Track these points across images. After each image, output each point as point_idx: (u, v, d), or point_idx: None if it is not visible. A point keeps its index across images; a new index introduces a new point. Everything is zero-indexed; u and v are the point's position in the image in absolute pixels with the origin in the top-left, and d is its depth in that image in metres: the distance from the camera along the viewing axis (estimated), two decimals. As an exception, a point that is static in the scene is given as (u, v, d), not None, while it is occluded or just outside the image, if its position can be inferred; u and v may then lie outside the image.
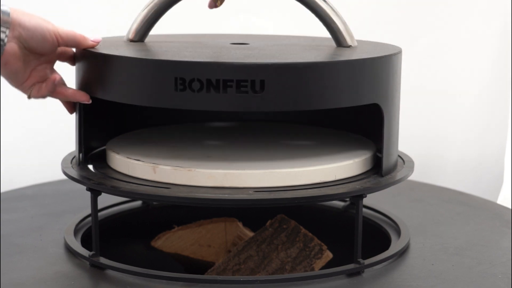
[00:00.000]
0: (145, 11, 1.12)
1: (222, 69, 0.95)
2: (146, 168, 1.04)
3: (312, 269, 1.14)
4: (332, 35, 1.11)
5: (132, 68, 0.99)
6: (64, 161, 1.12)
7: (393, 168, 1.09)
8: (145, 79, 0.98)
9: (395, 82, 1.07)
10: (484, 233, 1.21)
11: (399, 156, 1.14)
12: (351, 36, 1.12)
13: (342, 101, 1.00)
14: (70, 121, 1.12)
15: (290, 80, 0.96)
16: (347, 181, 1.04)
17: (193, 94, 0.95)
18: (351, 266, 1.04)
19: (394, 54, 1.05)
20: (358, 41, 1.14)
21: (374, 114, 1.05)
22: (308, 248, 1.15)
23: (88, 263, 1.07)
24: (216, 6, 1.14)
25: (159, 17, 1.12)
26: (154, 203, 1.32)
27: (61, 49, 1.04)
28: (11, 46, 0.98)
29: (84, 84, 1.05)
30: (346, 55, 1.04)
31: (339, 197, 1.09)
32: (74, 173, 1.08)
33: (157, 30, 1.14)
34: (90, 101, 1.04)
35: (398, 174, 1.08)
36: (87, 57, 1.04)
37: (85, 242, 1.14)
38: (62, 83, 1.05)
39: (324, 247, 1.15)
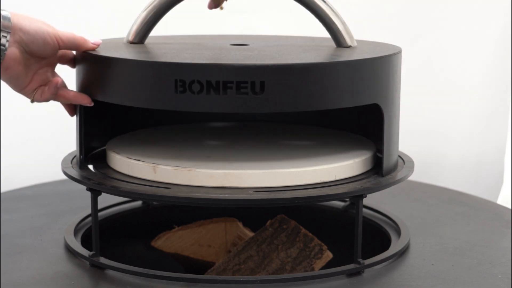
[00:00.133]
0: (145, 12, 1.12)
1: (222, 70, 0.95)
2: (146, 168, 1.04)
3: (312, 269, 1.14)
4: (331, 36, 1.11)
5: (132, 70, 0.99)
6: (64, 161, 1.13)
7: (394, 168, 1.09)
8: (145, 81, 0.98)
9: (395, 82, 1.07)
10: (484, 233, 1.21)
11: (399, 156, 1.14)
12: (351, 36, 1.12)
13: (342, 101, 1.00)
14: (70, 121, 1.12)
15: (290, 81, 0.96)
16: (347, 181, 1.04)
17: (193, 96, 0.95)
18: (351, 266, 1.04)
19: (394, 54, 1.06)
20: (357, 41, 1.14)
21: (374, 114, 1.05)
22: (308, 248, 1.15)
23: (88, 263, 1.07)
24: (216, 7, 1.14)
25: (158, 19, 1.12)
26: (154, 203, 1.32)
27: (61, 52, 1.05)
28: (12, 51, 0.98)
29: (85, 86, 1.05)
30: (346, 56, 1.04)
31: (339, 197, 1.09)
32: (74, 173, 1.08)
33: (156, 31, 1.14)
34: (92, 104, 1.04)
35: (398, 174, 1.08)
36: (87, 59, 1.04)
37: (85, 242, 1.14)
38: (63, 85, 1.05)
39: (324, 247, 1.15)
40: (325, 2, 1.10)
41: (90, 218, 1.19)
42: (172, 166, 1.02)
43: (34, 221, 1.26)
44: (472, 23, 1.81)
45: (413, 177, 1.29)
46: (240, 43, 1.15)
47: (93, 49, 1.04)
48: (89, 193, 1.05)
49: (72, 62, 1.07)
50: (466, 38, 1.82)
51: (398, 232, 1.18)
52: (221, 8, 1.13)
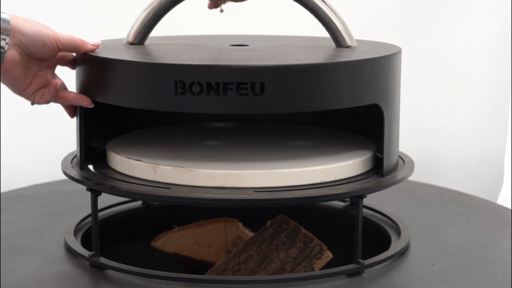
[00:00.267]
0: (145, 13, 1.12)
1: (222, 71, 0.95)
2: (146, 168, 1.04)
3: (312, 269, 1.14)
4: (331, 36, 1.11)
5: (132, 72, 0.99)
6: (64, 161, 1.13)
7: (394, 168, 1.09)
8: (145, 83, 0.98)
9: (395, 82, 1.07)
10: (484, 233, 1.21)
11: (399, 156, 1.14)
12: (351, 37, 1.12)
13: (342, 102, 1.00)
14: (71, 121, 1.12)
15: (290, 82, 0.96)
16: (347, 181, 1.04)
17: (193, 97, 0.95)
18: (351, 266, 1.04)
19: (394, 54, 1.06)
20: (357, 41, 1.14)
21: (374, 115, 1.05)
22: (308, 248, 1.15)
23: (88, 263, 1.07)
24: (216, 7, 1.14)
25: (158, 20, 1.12)
26: (155, 203, 1.32)
27: (61, 53, 1.05)
28: (11, 54, 0.98)
29: (85, 87, 1.05)
30: (346, 56, 1.04)
31: (339, 197, 1.09)
32: (74, 173, 1.08)
33: (156, 31, 1.14)
34: (92, 105, 1.04)
35: (399, 175, 1.08)
36: (87, 61, 1.04)
37: (85, 242, 1.14)
38: (63, 87, 1.05)
39: (324, 247, 1.15)
40: (324, 2, 1.10)
41: (90, 218, 1.19)
42: (172, 166, 1.03)
43: (34, 221, 1.26)
44: (472, 23, 1.81)
45: (413, 177, 1.29)
46: (239, 44, 1.15)
47: (93, 51, 1.04)
48: (89, 193, 1.05)
49: (72, 63, 1.07)
50: (466, 38, 1.82)
51: (398, 232, 1.18)
52: (221, 11, 1.13)
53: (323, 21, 1.10)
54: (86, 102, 1.05)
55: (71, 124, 1.12)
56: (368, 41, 1.19)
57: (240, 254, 1.16)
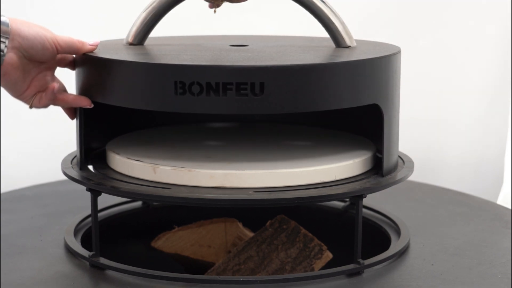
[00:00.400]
0: (144, 13, 1.12)
1: (222, 72, 0.95)
2: (146, 168, 1.04)
3: (312, 269, 1.14)
4: (331, 36, 1.11)
5: (132, 72, 0.99)
6: (64, 162, 1.13)
7: (393, 168, 1.09)
8: (145, 83, 0.98)
9: (395, 82, 1.07)
10: (484, 233, 1.21)
11: (398, 156, 1.14)
12: (350, 37, 1.12)
13: (342, 102, 1.00)
14: (71, 121, 1.12)
15: (290, 82, 0.96)
16: (347, 181, 1.04)
17: (193, 97, 0.95)
18: (351, 266, 1.04)
19: (393, 54, 1.06)
20: (357, 41, 1.14)
21: (374, 115, 1.05)
22: (308, 248, 1.15)
23: (88, 263, 1.07)
24: (217, 6, 1.14)
25: (158, 20, 1.12)
26: (154, 203, 1.32)
27: (60, 55, 1.05)
28: (10, 56, 0.98)
29: (85, 88, 1.05)
30: (345, 56, 1.04)
31: (339, 197, 1.09)
32: (74, 173, 1.08)
33: (156, 31, 1.14)
34: (92, 106, 1.04)
35: (398, 175, 1.08)
36: (87, 61, 1.04)
37: (85, 243, 1.14)
38: (62, 89, 1.05)
39: (324, 247, 1.15)
40: (324, 2, 1.10)
41: (90, 219, 1.19)
42: (172, 166, 1.03)
43: (34, 222, 1.26)
44: (472, 23, 1.81)
45: (413, 177, 1.29)
46: (239, 44, 1.15)
47: (92, 51, 1.04)
48: (89, 193, 1.05)
49: (71, 64, 1.07)
50: (466, 38, 1.82)
51: (398, 232, 1.18)
52: (215, 11, 1.13)
53: (322, 21, 1.10)
54: (85, 103, 1.05)
55: (71, 125, 1.12)
56: (367, 41, 1.19)
57: (240, 254, 1.16)
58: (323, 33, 1.13)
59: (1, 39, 0.96)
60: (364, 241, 1.05)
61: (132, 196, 1.04)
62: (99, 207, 1.19)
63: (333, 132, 1.23)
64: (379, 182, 1.05)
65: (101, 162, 1.12)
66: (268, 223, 1.17)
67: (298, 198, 0.99)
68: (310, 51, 1.09)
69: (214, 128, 1.25)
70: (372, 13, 1.80)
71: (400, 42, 1.22)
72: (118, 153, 1.09)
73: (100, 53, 1.04)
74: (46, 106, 1.05)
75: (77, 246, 1.12)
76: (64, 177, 1.10)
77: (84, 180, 1.05)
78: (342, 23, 1.11)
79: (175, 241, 1.24)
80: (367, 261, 1.05)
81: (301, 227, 1.17)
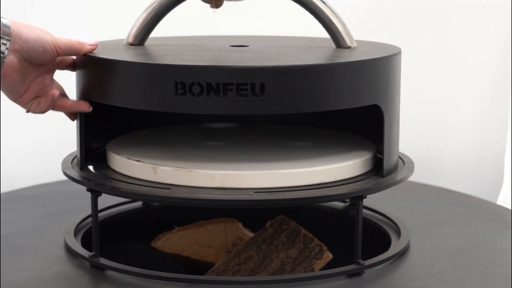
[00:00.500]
0: (145, 14, 1.12)
1: (222, 72, 0.95)
2: (146, 168, 1.04)
3: (312, 270, 1.14)
4: (331, 36, 1.11)
5: (132, 72, 0.99)
6: (64, 162, 1.13)
7: (394, 169, 1.09)
8: (145, 84, 0.98)
9: (395, 83, 1.07)
10: (484, 234, 1.21)
11: (399, 157, 1.14)
12: (350, 37, 1.12)
13: (342, 102, 1.00)
14: (71, 121, 1.12)
15: (290, 82, 0.96)
16: (347, 182, 1.04)
17: (193, 98, 0.95)
18: (351, 267, 1.04)
19: (394, 55, 1.06)
20: (357, 41, 1.14)
21: (374, 115, 1.05)
22: (308, 248, 1.15)
23: (88, 263, 1.07)
24: (217, 7, 1.14)
25: (158, 20, 1.12)
26: (155, 203, 1.32)
27: (60, 58, 1.04)
28: (10, 59, 0.98)
29: (85, 89, 1.05)
30: (346, 57, 1.04)
31: (339, 198, 1.09)
32: (74, 173, 1.08)
33: (156, 31, 1.14)
34: (91, 109, 1.04)
35: (399, 175, 1.08)
36: (87, 62, 1.04)
37: (85, 243, 1.14)
38: (62, 94, 1.05)
39: (324, 247, 1.15)
40: (324, 2, 1.10)
41: (90, 219, 1.20)
42: (172, 167, 1.03)
43: (34, 222, 1.26)
44: (472, 23, 1.81)
45: (413, 178, 1.29)
46: (239, 44, 1.15)
47: (92, 51, 1.04)
48: (89, 193, 1.05)
49: (71, 66, 1.07)
50: (466, 38, 1.82)
51: (398, 232, 1.18)
52: (214, 11, 1.13)
53: (323, 21, 1.10)
54: (84, 107, 1.05)
55: (71, 125, 1.12)
56: (368, 41, 1.19)
57: (240, 255, 1.16)
58: (323, 33, 1.13)
59: (2, 41, 0.96)
60: (364, 241, 1.05)
61: (132, 196, 1.04)
62: (99, 207, 1.19)
63: (333, 132, 1.23)
64: (379, 183, 1.05)
65: (101, 162, 1.12)
66: (268, 224, 1.17)
67: (298, 198, 0.99)
68: (310, 52, 1.09)
69: (214, 128, 1.25)
70: (373, 13, 1.80)
71: (400, 42, 1.22)
72: (118, 153, 1.09)
73: (100, 54, 1.04)
74: (44, 112, 1.04)
75: (77, 246, 1.12)
76: (64, 177, 1.10)
77: (84, 180, 1.05)
78: (343, 23, 1.11)
79: (175, 241, 1.24)
80: (367, 262, 1.05)
81: (301, 228, 1.17)
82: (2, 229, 1.21)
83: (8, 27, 0.96)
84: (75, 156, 1.13)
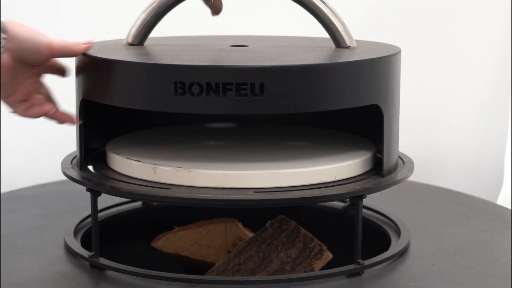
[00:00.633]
0: (144, 14, 1.12)
1: (222, 72, 0.95)
2: (146, 168, 1.04)
3: (312, 270, 1.14)
4: (331, 36, 1.11)
5: (131, 72, 0.99)
6: (64, 162, 1.13)
7: (393, 168, 1.09)
8: (145, 84, 0.98)
9: (395, 83, 1.07)
10: (484, 233, 1.21)
11: (399, 156, 1.14)
12: (350, 37, 1.12)
13: (342, 102, 1.00)
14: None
15: (290, 82, 0.96)
16: (347, 182, 1.04)
17: (193, 97, 0.95)
18: (351, 266, 1.04)
19: (394, 55, 1.06)
20: (357, 41, 1.14)
21: (374, 115, 1.05)
22: (308, 248, 1.15)
23: (88, 263, 1.07)
24: (217, 14, 1.14)
25: (158, 20, 1.12)
26: (154, 203, 1.32)
27: (51, 61, 1.04)
28: (4, 58, 0.98)
29: (85, 89, 1.05)
30: (345, 57, 1.04)
31: (339, 197, 1.09)
32: (74, 173, 1.08)
33: (156, 31, 1.14)
34: (78, 122, 1.04)
35: (398, 175, 1.08)
36: (87, 62, 1.04)
37: (85, 243, 1.14)
38: (48, 97, 1.05)
39: (324, 247, 1.15)
40: (324, 2, 1.10)
41: (90, 219, 1.19)
42: (172, 166, 1.03)
43: (34, 222, 1.26)
44: (472, 23, 1.81)
45: (413, 178, 1.29)
46: (239, 44, 1.15)
47: (87, 50, 1.04)
48: (89, 193, 1.05)
49: (61, 71, 1.06)
50: (466, 38, 1.82)
51: (398, 232, 1.18)
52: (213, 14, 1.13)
53: (322, 21, 1.10)
54: (70, 121, 1.05)
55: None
56: (367, 41, 1.19)
57: (240, 255, 1.16)
58: (323, 33, 1.13)
59: (2, 36, 0.96)
60: (364, 241, 1.05)
61: (132, 196, 1.04)
62: (99, 207, 1.19)
63: (333, 132, 1.23)
64: (379, 183, 1.05)
65: (101, 162, 1.12)
66: (268, 223, 1.17)
67: (298, 198, 0.99)
68: (310, 52, 1.09)
69: (214, 128, 1.25)
70: (372, 13, 1.80)
71: (400, 42, 1.22)
72: (118, 153, 1.09)
73: (100, 54, 1.04)
74: (32, 117, 1.04)
75: (77, 246, 1.12)
76: (64, 177, 1.10)
77: (84, 180, 1.05)
78: (342, 23, 1.11)
79: (175, 241, 1.24)
80: (367, 262, 1.05)
81: (301, 227, 1.17)
82: (2, 229, 1.21)
83: (5, 26, 0.96)
84: (75, 156, 1.13)
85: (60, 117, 1.05)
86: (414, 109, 1.80)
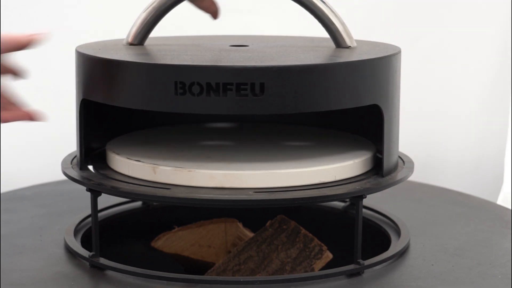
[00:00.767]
0: (145, 13, 1.12)
1: (222, 72, 0.95)
2: (146, 168, 1.04)
3: (312, 270, 1.14)
4: (331, 36, 1.11)
5: (132, 72, 0.99)
6: (64, 162, 1.13)
7: (394, 168, 1.09)
8: (145, 84, 0.98)
9: (395, 83, 1.07)
10: (484, 233, 1.21)
11: (399, 156, 1.14)
12: (350, 37, 1.12)
13: (342, 102, 1.00)
14: (70, 121, 1.12)
15: (290, 82, 0.96)
16: (347, 182, 1.04)
17: (193, 98, 0.95)
18: (351, 266, 1.04)
19: (394, 55, 1.06)
20: (357, 41, 1.14)
21: (374, 115, 1.05)
22: (308, 248, 1.15)
23: (88, 263, 1.07)
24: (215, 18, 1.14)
25: (158, 20, 1.12)
26: (154, 203, 1.32)
27: (3, 61, 1.00)
28: None
29: (84, 88, 1.05)
30: (345, 56, 1.04)
31: (339, 197, 1.09)
32: (74, 173, 1.08)
33: (156, 31, 1.14)
34: (42, 121, 1.02)
35: (398, 175, 1.08)
36: (87, 61, 1.04)
37: (85, 243, 1.14)
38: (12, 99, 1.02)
39: (324, 247, 1.15)
40: (324, 2, 1.10)
41: (90, 219, 1.20)
42: (172, 166, 1.03)
43: (34, 221, 1.26)
44: (472, 24, 1.81)
45: (413, 178, 1.29)
46: (239, 44, 1.15)
47: (36, 42, 0.98)
48: (89, 193, 1.05)
49: (15, 72, 1.04)
50: (466, 39, 1.82)
51: (398, 232, 1.18)
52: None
53: (322, 21, 1.10)
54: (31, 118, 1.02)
55: (71, 125, 1.12)
56: (367, 41, 1.19)
57: (240, 255, 1.16)
58: (323, 33, 1.13)
59: None
60: (364, 241, 1.05)
61: (132, 196, 1.04)
62: (99, 207, 1.19)
63: (333, 132, 1.23)
64: (379, 183, 1.05)
65: (101, 162, 1.12)
66: (268, 223, 1.17)
67: (298, 198, 0.99)
68: (310, 52, 1.09)
69: (214, 128, 1.25)
70: (372, 13, 1.80)
71: (400, 42, 1.22)
72: (118, 153, 1.09)
73: (100, 53, 1.04)
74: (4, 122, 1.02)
75: (77, 246, 1.12)
76: (64, 177, 1.10)
77: (84, 180, 1.05)
78: (342, 23, 1.11)
79: (175, 241, 1.24)
80: (367, 262, 1.05)
81: (301, 227, 1.17)
82: (2, 229, 1.21)
83: None
84: (75, 156, 1.13)
85: (30, 117, 1.03)
86: (414, 109, 1.80)
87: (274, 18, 1.78)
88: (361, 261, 1.04)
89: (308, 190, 1.01)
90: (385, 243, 1.16)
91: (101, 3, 1.73)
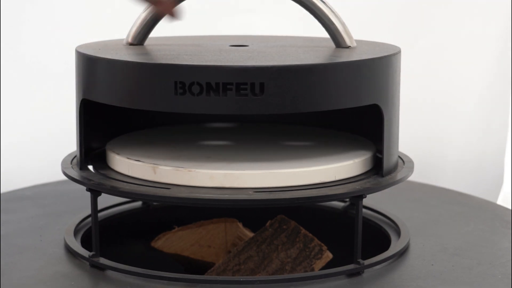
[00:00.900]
0: (144, 14, 1.12)
1: (222, 72, 0.95)
2: (146, 168, 1.04)
3: (312, 270, 1.14)
4: (331, 36, 1.11)
5: (132, 72, 0.99)
6: (64, 162, 1.13)
7: (393, 168, 1.09)
8: (145, 83, 0.98)
9: (395, 83, 1.07)
10: (484, 233, 1.21)
11: (399, 156, 1.14)
12: (350, 37, 1.12)
13: (342, 102, 1.00)
14: (70, 121, 1.12)
15: (290, 82, 0.96)
16: (347, 182, 1.04)
17: (193, 97, 0.95)
18: (351, 266, 1.04)
19: (394, 54, 1.06)
20: (357, 41, 1.14)
21: (374, 115, 1.05)
22: (308, 248, 1.15)
23: (88, 263, 1.07)
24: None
25: (158, 20, 1.12)
26: (154, 203, 1.32)
27: None
28: None
29: (84, 88, 1.05)
30: (345, 56, 1.04)
31: (339, 197, 1.09)
32: (74, 173, 1.08)
33: (156, 31, 1.14)
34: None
35: (398, 175, 1.08)
36: (86, 61, 1.04)
37: (85, 243, 1.14)
38: None
39: (324, 247, 1.15)
40: (324, 2, 1.10)
41: (90, 219, 1.19)
42: (172, 166, 1.03)
43: (34, 221, 1.26)
44: (472, 24, 1.81)
45: (413, 178, 1.29)
46: (239, 44, 1.15)
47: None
48: (89, 193, 1.05)
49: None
50: (466, 39, 1.82)
51: (398, 232, 1.18)
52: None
53: (322, 21, 1.10)
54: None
55: (71, 125, 1.12)
56: (367, 41, 1.19)
57: (240, 255, 1.16)
58: (323, 33, 1.13)
59: None
60: (364, 241, 1.05)
61: (132, 196, 1.04)
62: (99, 207, 1.19)
63: (333, 132, 1.23)
64: (379, 182, 1.05)
65: (101, 162, 1.12)
66: (268, 223, 1.17)
67: (298, 198, 0.99)
68: (310, 51, 1.09)
69: (214, 128, 1.25)
70: (372, 13, 1.80)
71: (400, 42, 1.22)
72: (118, 153, 1.09)
73: (100, 53, 1.04)
74: None
75: (77, 246, 1.12)
76: (64, 177, 1.10)
77: (84, 180, 1.05)
78: (342, 23, 1.11)
79: (175, 241, 1.24)
80: (367, 261, 1.05)
81: (301, 227, 1.17)
82: (2, 229, 1.21)
83: None
84: (75, 156, 1.13)
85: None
86: (414, 109, 1.80)
87: (274, 18, 1.78)
88: (361, 261, 1.04)
89: (308, 190, 1.01)
90: (385, 243, 1.16)
91: (101, 3, 1.73)
